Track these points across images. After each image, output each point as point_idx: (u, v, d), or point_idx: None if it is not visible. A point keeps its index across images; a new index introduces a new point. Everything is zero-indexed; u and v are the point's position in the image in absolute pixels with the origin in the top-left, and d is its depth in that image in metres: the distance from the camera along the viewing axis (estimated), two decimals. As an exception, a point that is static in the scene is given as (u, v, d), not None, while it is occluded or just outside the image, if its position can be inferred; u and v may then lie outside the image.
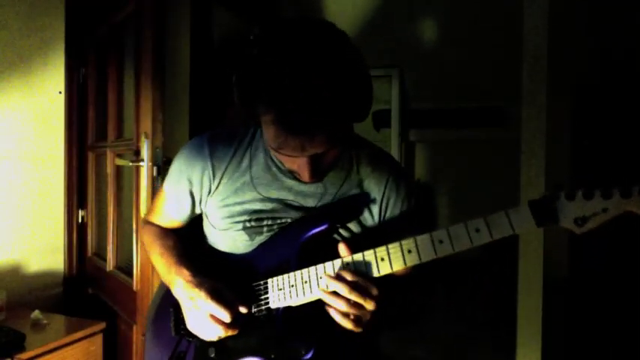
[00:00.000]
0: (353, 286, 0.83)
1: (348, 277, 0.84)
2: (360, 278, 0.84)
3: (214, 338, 0.93)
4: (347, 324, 0.84)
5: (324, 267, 0.90)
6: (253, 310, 0.95)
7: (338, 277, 0.85)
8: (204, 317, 0.91)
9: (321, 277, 0.89)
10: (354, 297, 0.82)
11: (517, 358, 2.46)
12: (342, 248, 0.89)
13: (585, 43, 3.49)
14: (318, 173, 0.88)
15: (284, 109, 0.76)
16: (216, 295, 0.91)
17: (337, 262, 0.89)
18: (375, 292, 0.83)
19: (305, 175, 0.86)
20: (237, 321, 0.92)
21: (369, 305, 0.83)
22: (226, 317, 0.89)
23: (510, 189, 2.51)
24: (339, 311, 0.84)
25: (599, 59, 3.72)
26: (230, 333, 0.92)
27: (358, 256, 0.88)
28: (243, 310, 0.92)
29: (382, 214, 1.01)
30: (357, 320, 0.84)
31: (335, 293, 0.84)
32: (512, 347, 2.50)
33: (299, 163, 0.85)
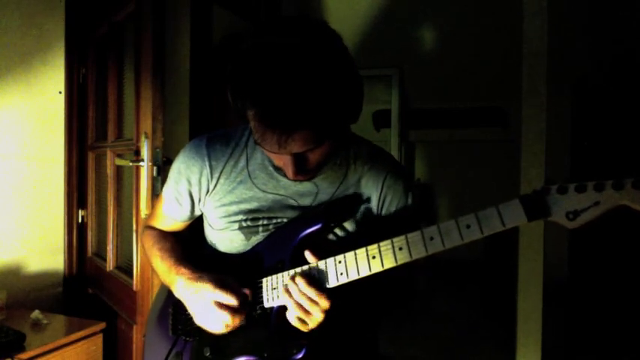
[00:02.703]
0: (303, 294, 0.86)
1: (302, 285, 0.86)
2: (314, 290, 0.85)
3: (223, 329, 0.92)
4: (294, 322, 0.87)
5: (317, 266, 0.90)
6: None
7: (293, 280, 0.87)
8: (211, 306, 0.91)
9: (313, 276, 0.89)
10: (303, 303, 0.85)
11: (517, 358, 2.46)
12: (307, 255, 0.90)
13: (585, 43, 3.49)
14: (304, 172, 0.87)
15: (263, 103, 0.77)
16: (220, 282, 0.92)
17: (330, 261, 0.89)
18: (324, 304, 0.85)
19: (289, 172, 0.87)
20: (243, 306, 0.92)
21: (317, 314, 0.85)
22: (234, 301, 0.90)
23: (510, 189, 2.51)
24: (290, 309, 0.87)
25: (599, 59, 3.72)
26: (237, 319, 0.92)
27: (350, 255, 0.87)
28: (247, 292, 0.93)
29: (380, 211, 1.01)
30: (303, 321, 0.87)
31: (289, 294, 0.87)
32: (512, 347, 2.50)
33: (284, 161, 0.86)
